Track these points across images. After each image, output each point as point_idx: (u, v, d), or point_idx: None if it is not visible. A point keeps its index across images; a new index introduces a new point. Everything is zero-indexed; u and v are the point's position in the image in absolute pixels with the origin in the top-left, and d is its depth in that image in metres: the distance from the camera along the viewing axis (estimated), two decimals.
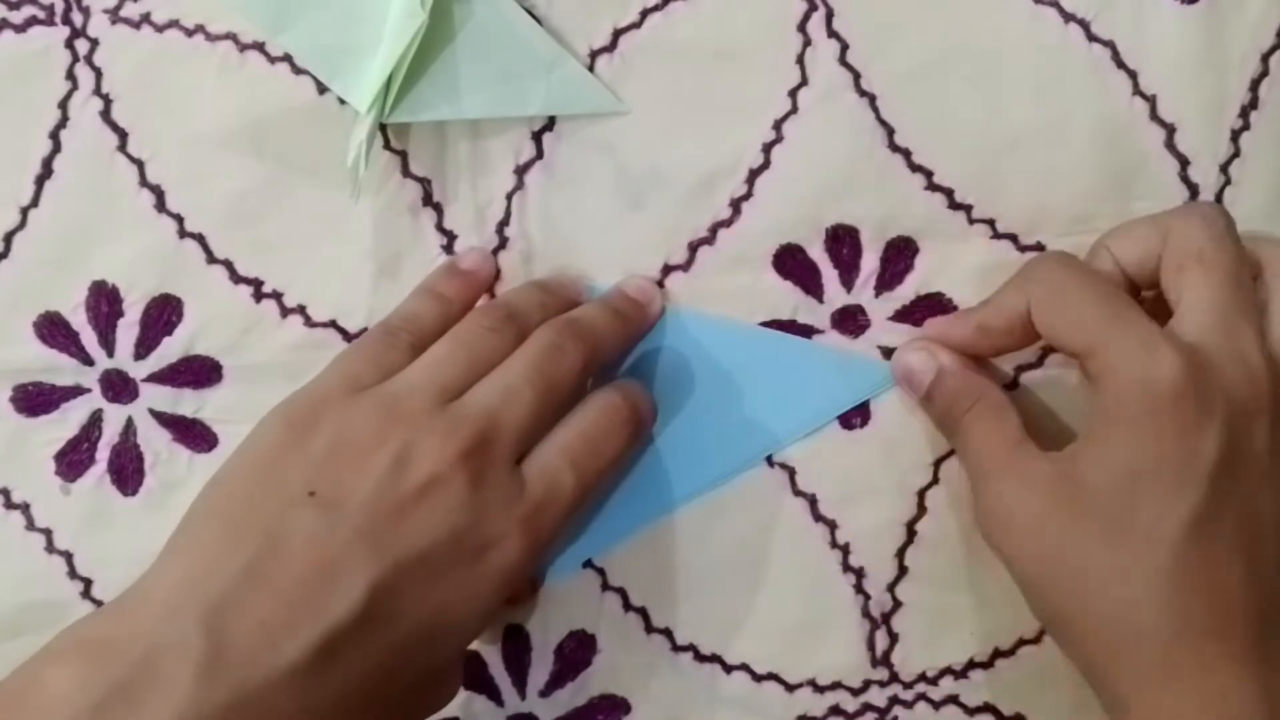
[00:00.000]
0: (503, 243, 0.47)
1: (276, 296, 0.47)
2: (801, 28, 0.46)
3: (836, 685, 0.48)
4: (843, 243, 0.46)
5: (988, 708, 0.47)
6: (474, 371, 0.41)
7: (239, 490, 0.39)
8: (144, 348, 0.47)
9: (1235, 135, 0.46)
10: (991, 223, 0.46)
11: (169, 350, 0.47)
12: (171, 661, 0.35)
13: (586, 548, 0.48)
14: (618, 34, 0.46)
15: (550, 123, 0.46)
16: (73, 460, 0.48)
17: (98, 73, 0.46)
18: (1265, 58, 0.46)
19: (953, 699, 0.48)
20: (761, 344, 0.47)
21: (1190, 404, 0.39)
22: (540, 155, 0.46)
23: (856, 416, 0.47)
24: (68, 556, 0.48)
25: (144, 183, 0.46)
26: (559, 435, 0.42)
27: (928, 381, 0.45)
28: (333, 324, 0.47)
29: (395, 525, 0.38)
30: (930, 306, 0.46)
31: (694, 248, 0.46)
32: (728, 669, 0.48)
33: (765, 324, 0.47)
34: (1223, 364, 0.40)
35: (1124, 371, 0.40)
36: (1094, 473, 0.40)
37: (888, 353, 0.46)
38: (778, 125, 0.46)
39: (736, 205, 0.46)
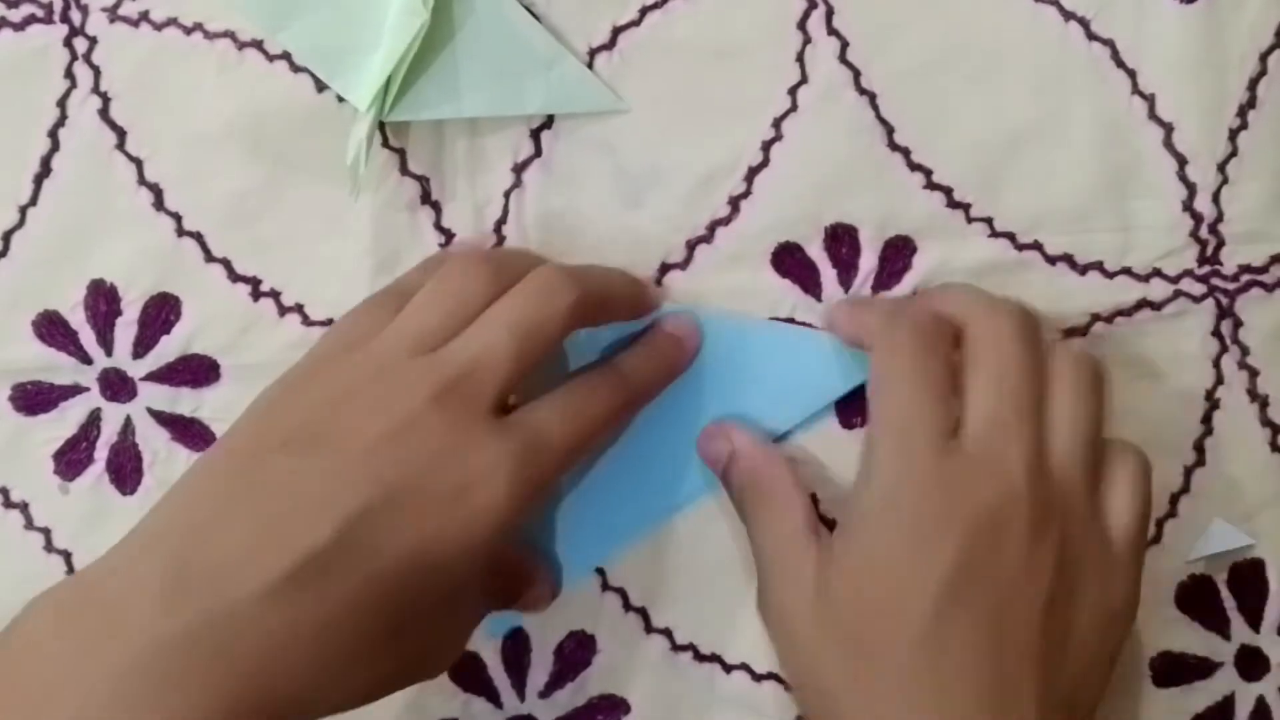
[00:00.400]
0: (500, 241, 0.47)
1: (274, 295, 0.47)
2: (801, 25, 0.46)
3: None
4: (841, 241, 0.46)
5: None
6: (454, 319, 0.40)
7: (222, 454, 0.39)
8: (142, 347, 0.47)
9: (1233, 134, 0.46)
10: (990, 221, 0.46)
11: (167, 349, 0.47)
12: (134, 594, 0.35)
13: (595, 553, 0.48)
14: (617, 32, 0.46)
15: (549, 121, 0.46)
16: (71, 459, 0.47)
17: (96, 71, 0.46)
18: (1264, 57, 0.46)
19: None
20: (756, 333, 0.46)
21: (930, 512, 0.39)
22: (539, 153, 0.46)
23: (857, 416, 0.47)
24: (66, 556, 0.48)
25: (142, 181, 0.46)
26: (551, 389, 0.42)
27: (721, 465, 0.45)
28: (330, 322, 0.47)
29: (370, 462, 0.37)
30: None
31: (692, 246, 0.46)
32: (727, 669, 0.48)
33: None
34: (982, 474, 0.40)
35: (881, 465, 0.40)
36: (837, 576, 0.40)
37: None
38: (777, 123, 0.46)
39: (735, 203, 0.46)
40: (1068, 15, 0.46)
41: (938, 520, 0.39)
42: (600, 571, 0.48)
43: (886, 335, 0.42)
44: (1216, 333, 0.47)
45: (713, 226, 0.46)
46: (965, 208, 0.46)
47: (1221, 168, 0.46)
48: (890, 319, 0.43)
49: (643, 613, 0.48)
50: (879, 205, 0.46)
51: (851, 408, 0.47)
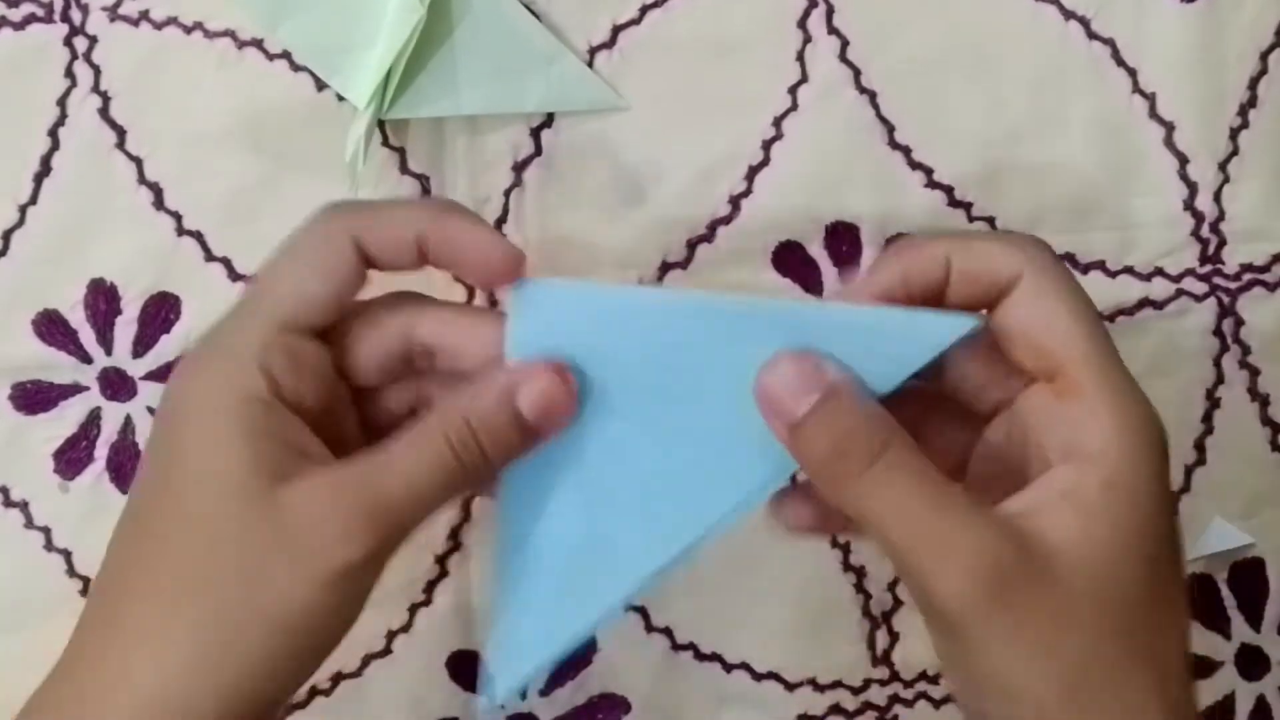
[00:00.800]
0: None
1: None
2: (802, 24, 0.46)
3: (837, 684, 0.48)
4: (842, 239, 0.46)
5: None
6: None
7: None
8: (142, 345, 0.47)
9: (1234, 133, 0.46)
10: (991, 220, 0.46)
11: (167, 348, 0.47)
12: None
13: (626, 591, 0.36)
14: (617, 30, 0.46)
15: (549, 119, 0.46)
16: (71, 458, 0.47)
17: (96, 70, 0.46)
18: (1264, 56, 0.46)
19: (953, 697, 0.47)
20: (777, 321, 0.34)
21: (1168, 462, 0.32)
22: (539, 152, 0.46)
23: None
24: (66, 555, 0.48)
25: (142, 180, 0.46)
26: None
27: (805, 406, 0.32)
28: None
29: None
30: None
31: (692, 245, 0.46)
32: (728, 668, 0.48)
33: None
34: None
35: (1120, 415, 0.31)
36: (1089, 555, 0.30)
37: None
38: (777, 122, 0.46)
39: (735, 202, 0.46)
40: (1068, 14, 0.46)
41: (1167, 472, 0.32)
42: None
43: (1029, 252, 0.33)
44: (1218, 331, 0.47)
45: (713, 225, 0.46)
46: (966, 206, 0.46)
47: (1222, 166, 0.46)
48: (1010, 242, 0.33)
49: (643, 612, 0.48)
50: (879, 203, 0.46)
51: None
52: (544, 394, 0.33)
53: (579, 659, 0.48)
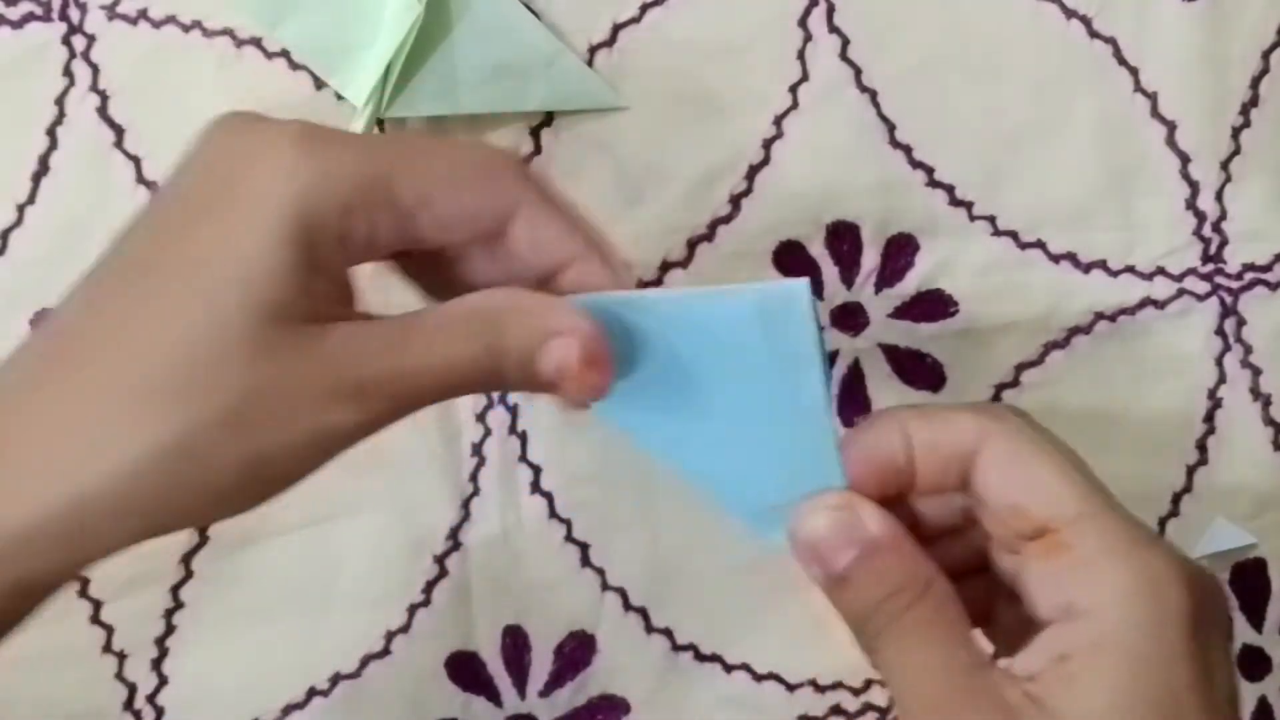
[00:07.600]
0: None
1: None
2: (802, 23, 0.46)
3: (838, 685, 0.48)
4: (843, 239, 0.46)
5: None
6: None
7: None
8: None
9: (1236, 132, 0.46)
10: (992, 220, 0.46)
11: None
12: None
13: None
14: (617, 29, 0.46)
15: (548, 118, 0.46)
16: None
17: (94, 69, 0.46)
18: (1266, 55, 0.46)
19: None
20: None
21: (1207, 621, 0.30)
22: (538, 151, 0.46)
23: (858, 414, 0.47)
24: None
25: (140, 179, 0.46)
26: None
27: (844, 561, 0.32)
28: None
29: None
30: (930, 303, 0.46)
31: (693, 245, 0.46)
32: (728, 669, 0.48)
33: None
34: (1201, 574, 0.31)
35: (1114, 570, 0.30)
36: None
37: (887, 350, 0.46)
38: (778, 121, 0.46)
39: (736, 202, 0.46)
40: (1069, 13, 0.46)
41: (1212, 630, 0.31)
42: (600, 571, 0.47)
43: (990, 416, 0.32)
44: (1220, 331, 0.47)
45: (714, 225, 0.46)
46: (968, 206, 0.46)
47: (1224, 166, 0.46)
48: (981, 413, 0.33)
49: (643, 613, 0.48)
50: (880, 203, 0.46)
51: (852, 407, 0.46)
52: (562, 360, 0.31)
53: (579, 659, 0.48)
